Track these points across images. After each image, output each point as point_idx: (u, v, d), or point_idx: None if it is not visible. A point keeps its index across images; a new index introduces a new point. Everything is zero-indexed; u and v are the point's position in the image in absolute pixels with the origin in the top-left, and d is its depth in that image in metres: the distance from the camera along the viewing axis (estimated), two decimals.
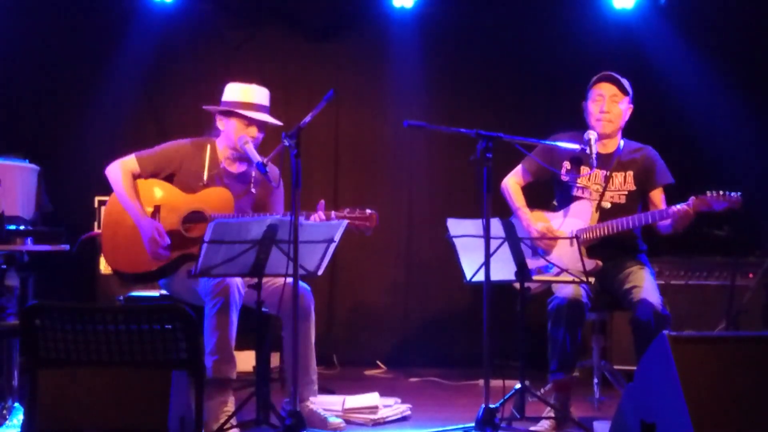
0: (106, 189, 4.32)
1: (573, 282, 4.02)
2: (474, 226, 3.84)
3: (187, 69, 6.13)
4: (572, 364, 4.13)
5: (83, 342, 2.85)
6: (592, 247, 4.26)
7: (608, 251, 4.24)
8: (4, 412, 4.02)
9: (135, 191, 4.19)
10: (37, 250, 4.19)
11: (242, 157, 4.27)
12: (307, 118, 3.74)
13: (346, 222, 3.84)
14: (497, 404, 3.80)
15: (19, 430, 3.77)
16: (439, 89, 6.20)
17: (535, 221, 4.33)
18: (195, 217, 4.15)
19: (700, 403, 2.65)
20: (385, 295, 6.23)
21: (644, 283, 4.11)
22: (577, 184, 4.36)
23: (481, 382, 4.92)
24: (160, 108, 6.14)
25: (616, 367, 4.71)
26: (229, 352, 3.94)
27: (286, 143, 3.69)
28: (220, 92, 4.37)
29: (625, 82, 4.35)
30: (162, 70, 6.11)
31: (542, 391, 4.30)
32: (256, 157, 4.08)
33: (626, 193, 4.32)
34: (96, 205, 5.29)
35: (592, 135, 4.20)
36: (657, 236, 4.33)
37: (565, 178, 4.39)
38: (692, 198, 4.07)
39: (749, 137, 5.76)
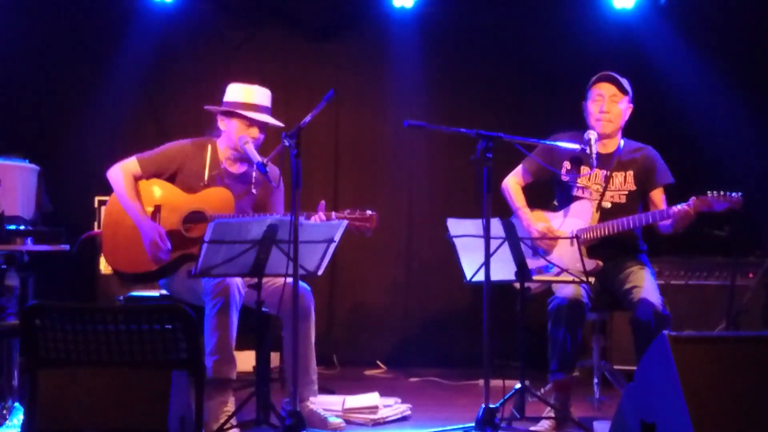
0: (106, 189, 4.32)
1: (573, 282, 4.02)
2: (474, 226, 3.84)
3: (187, 69, 6.13)
4: (572, 364, 4.14)
5: (83, 342, 2.85)
6: (593, 247, 4.26)
7: (608, 251, 4.24)
8: (4, 412, 4.02)
9: (136, 193, 4.18)
10: (37, 250, 4.19)
11: (243, 158, 4.27)
12: (307, 118, 3.74)
13: (346, 222, 3.84)
14: (497, 404, 3.80)
15: (19, 430, 3.77)
16: (439, 89, 6.20)
17: (535, 221, 4.33)
18: (195, 217, 4.15)
19: (700, 403, 2.65)
20: (385, 295, 6.23)
21: (644, 283, 4.11)
22: (578, 184, 4.36)
23: (481, 382, 4.92)
24: (160, 108, 6.15)
25: (616, 367, 4.71)
26: (230, 353, 3.94)
27: (286, 143, 3.69)
28: (220, 92, 4.37)
29: (625, 82, 4.35)
30: (162, 70, 6.11)
31: (542, 391, 4.30)
32: (256, 157, 4.08)
33: (626, 192, 4.32)
34: (96, 205, 5.29)
35: (592, 135, 4.20)
36: (657, 236, 4.33)
37: (565, 178, 4.39)
38: (693, 198, 4.07)
39: (749, 137, 5.75)
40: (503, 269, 3.92)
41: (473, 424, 3.78)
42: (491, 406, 3.74)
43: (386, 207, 5.80)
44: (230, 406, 3.92)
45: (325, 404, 4.24)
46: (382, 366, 5.99)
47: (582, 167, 4.35)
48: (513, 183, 4.49)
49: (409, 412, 4.42)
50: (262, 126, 4.27)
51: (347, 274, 6.17)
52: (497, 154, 3.82)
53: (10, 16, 5.80)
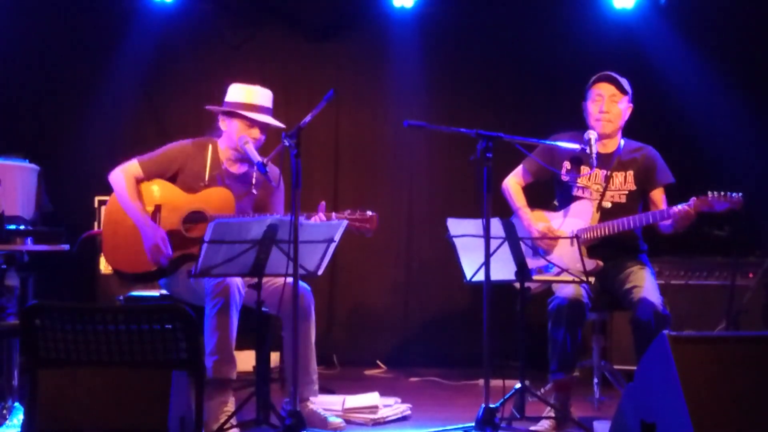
0: (106, 189, 4.32)
1: (573, 282, 4.02)
2: (474, 226, 3.84)
3: (187, 69, 6.13)
4: (572, 364, 4.14)
5: (83, 342, 2.84)
6: (593, 247, 4.26)
7: (609, 251, 4.24)
8: (4, 412, 4.02)
9: (139, 196, 4.18)
10: (37, 250, 4.19)
11: (244, 158, 4.27)
12: (307, 118, 3.74)
13: (346, 222, 3.84)
14: (497, 404, 3.80)
15: (19, 430, 3.77)
16: (439, 89, 6.20)
17: (535, 221, 4.33)
18: (196, 217, 4.15)
19: (700, 403, 2.65)
20: (385, 296, 6.23)
21: (645, 283, 4.11)
22: (578, 184, 4.36)
23: (481, 382, 4.92)
24: (160, 108, 6.14)
25: (616, 367, 4.71)
26: (230, 353, 3.94)
27: (286, 143, 3.69)
28: (220, 92, 4.36)
29: (624, 82, 4.35)
30: (162, 70, 6.11)
31: (542, 391, 4.30)
32: (256, 157, 4.08)
33: (627, 192, 4.32)
34: (96, 205, 5.29)
35: (592, 135, 4.20)
36: (658, 236, 4.33)
37: (565, 178, 4.39)
38: (693, 198, 4.07)
39: (749, 137, 5.75)
40: (503, 269, 3.92)
41: (473, 424, 3.78)
42: (491, 406, 3.74)
43: (386, 207, 5.80)
44: (230, 406, 3.92)
45: (325, 404, 4.24)
46: (382, 366, 5.99)
47: (582, 167, 4.35)
48: (513, 183, 4.50)
49: (409, 412, 4.42)
50: (264, 127, 4.27)
51: (347, 274, 6.16)
52: (497, 154, 3.82)
53: (10, 16, 5.80)
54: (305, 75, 6.16)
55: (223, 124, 4.30)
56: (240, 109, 4.23)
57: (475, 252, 3.84)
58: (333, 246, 3.82)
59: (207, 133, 4.41)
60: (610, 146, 4.38)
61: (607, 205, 4.31)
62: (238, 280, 3.94)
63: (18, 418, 3.96)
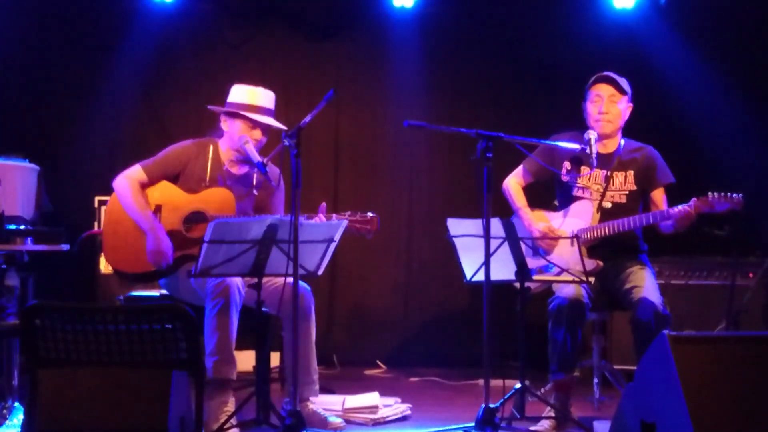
0: (106, 189, 4.32)
1: (573, 282, 4.02)
2: (474, 226, 3.84)
3: (187, 69, 6.14)
4: (572, 364, 4.14)
5: (83, 342, 2.84)
6: (593, 247, 4.26)
7: (609, 251, 4.24)
8: (4, 412, 4.02)
9: (145, 200, 4.17)
10: (37, 250, 4.19)
11: (245, 160, 4.26)
12: (307, 118, 3.74)
13: (346, 222, 3.84)
14: (497, 404, 3.80)
15: (19, 430, 3.77)
16: (439, 89, 6.20)
17: (536, 221, 4.33)
18: (196, 218, 4.15)
19: (700, 403, 2.65)
20: (385, 296, 6.23)
21: (645, 283, 4.11)
22: (578, 184, 4.36)
23: (481, 382, 4.92)
24: (160, 108, 6.14)
25: (616, 367, 4.71)
26: (230, 353, 3.94)
27: (286, 143, 3.69)
28: (220, 92, 4.36)
29: (623, 82, 4.35)
30: (162, 70, 6.10)
31: (542, 391, 4.30)
32: (256, 157, 4.08)
33: (627, 192, 4.32)
34: (96, 204, 5.29)
35: (592, 135, 4.20)
36: (658, 236, 4.33)
37: (565, 178, 4.39)
38: (694, 199, 4.08)
39: (749, 137, 5.75)
40: (503, 269, 3.92)
41: (473, 424, 3.78)
42: (491, 406, 3.74)
43: (386, 207, 5.81)
44: (230, 406, 3.92)
45: (325, 404, 4.24)
46: (382, 366, 5.99)
47: (582, 167, 4.35)
48: (514, 183, 4.49)
49: (409, 412, 4.42)
50: (265, 128, 4.27)
51: (347, 274, 6.16)
52: (497, 154, 3.82)
53: (10, 16, 5.80)
54: (305, 75, 6.16)
55: (225, 124, 4.29)
56: (243, 110, 4.23)
57: (475, 252, 3.84)
58: (333, 246, 3.82)
59: (207, 133, 4.41)
60: (610, 146, 4.38)
61: (608, 205, 4.31)
62: (238, 280, 3.94)
63: (18, 418, 3.96)
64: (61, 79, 5.97)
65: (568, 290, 4.06)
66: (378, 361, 6.01)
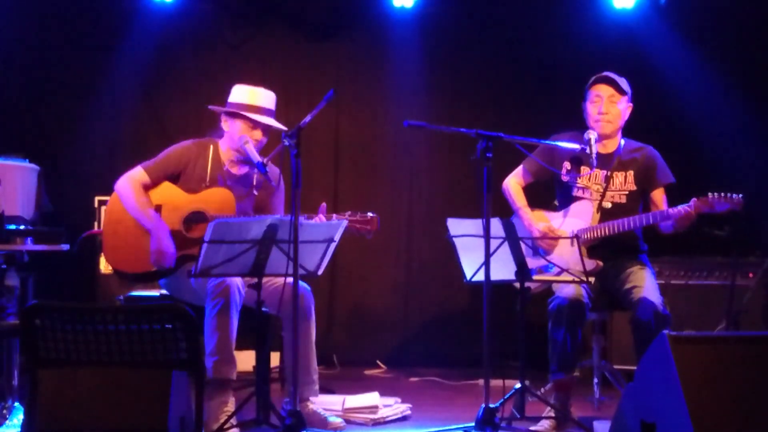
0: (106, 189, 4.32)
1: (573, 282, 4.02)
2: (474, 226, 3.84)
3: (187, 69, 6.14)
4: (572, 364, 4.14)
5: (83, 342, 2.84)
6: (593, 247, 4.26)
7: (609, 251, 4.25)
8: (4, 412, 4.02)
9: (148, 201, 4.17)
10: (37, 250, 4.19)
11: (245, 160, 4.26)
12: (307, 118, 3.74)
13: (346, 221, 3.84)
14: (497, 404, 3.80)
15: (19, 430, 3.77)
16: (439, 89, 6.20)
17: (536, 221, 4.33)
18: (196, 218, 4.15)
19: (700, 403, 2.65)
20: (385, 296, 6.23)
21: (645, 283, 4.11)
22: (578, 184, 4.36)
23: (481, 382, 4.92)
24: (160, 108, 6.14)
25: (616, 367, 4.71)
26: (230, 353, 3.94)
27: (286, 143, 3.69)
28: (220, 92, 4.36)
29: (623, 82, 4.35)
30: (162, 70, 6.11)
31: (542, 391, 4.30)
32: (256, 157, 4.08)
33: (627, 192, 4.32)
34: (96, 204, 5.29)
35: (592, 135, 4.20)
36: (658, 236, 4.33)
37: (565, 178, 4.39)
38: (694, 199, 4.08)
39: (749, 137, 5.76)
40: (503, 269, 3.92)
41: (473, 424, 3.78)
42: (491, 405, 3.74)
43: (386, 207, 5.81)
44: (230, 406, 3.92)
45: (325, 404, 4.24)
46: (382, 366, 5.99)
47: (582, 167, 4.35)
48: (514, 183, 4.50)
49: (409, 412, 4.42)
50: (266, 129, 4.27)
51: (347, 274, 6.17)
52: (497, 154, 3.82)
53: (9, 16, 5.80)
54: (305, 75, 6.16)
55: (226, 124, 4.29)
56: (243, 110, 4.22)
57: (475, 252, 3.84)
58: (333, 246, 3.82)
59: (208, 133, 4.41)
60: (610, 146, 4.38)
61: (608, 205, 4.31)
62: (238, 280, 3.94)
63: (18, 418, 3.96)
64: (61, 79, 5.97)
65: (568, 290, 4.06)
66: (378, 361, 6.01)
